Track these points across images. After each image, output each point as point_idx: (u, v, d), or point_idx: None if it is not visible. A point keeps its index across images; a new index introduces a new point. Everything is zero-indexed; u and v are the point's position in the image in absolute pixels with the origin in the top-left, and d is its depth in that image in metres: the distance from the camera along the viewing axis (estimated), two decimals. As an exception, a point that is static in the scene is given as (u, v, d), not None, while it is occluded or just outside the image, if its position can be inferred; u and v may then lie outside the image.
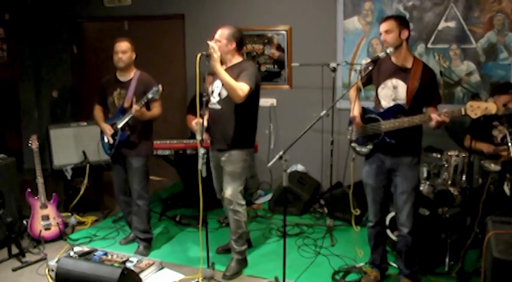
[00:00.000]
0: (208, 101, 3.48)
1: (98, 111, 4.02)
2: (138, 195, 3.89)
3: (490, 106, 2.78)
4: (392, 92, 3.09)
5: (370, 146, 3.18)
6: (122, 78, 3.87)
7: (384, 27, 3.05)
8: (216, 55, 3.26)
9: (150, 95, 3.67)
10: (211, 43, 3.30)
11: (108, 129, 3.87)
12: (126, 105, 3.80)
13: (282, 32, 5.27)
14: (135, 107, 3.65)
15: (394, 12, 4.66)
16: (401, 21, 3.04)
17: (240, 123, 3.44)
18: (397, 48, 3.03)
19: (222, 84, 3.36)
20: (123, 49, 3.78)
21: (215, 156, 3.60)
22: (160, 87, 3.67)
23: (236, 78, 3.31)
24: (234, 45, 3.42)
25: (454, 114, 2.89)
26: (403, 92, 3.05)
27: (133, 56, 3.85)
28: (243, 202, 3.57)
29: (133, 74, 3.87)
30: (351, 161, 3.33)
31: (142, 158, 3.87)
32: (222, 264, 3.62)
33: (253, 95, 3.40)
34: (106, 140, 3.91)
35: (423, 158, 3.95)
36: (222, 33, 3.40)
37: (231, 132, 3.43)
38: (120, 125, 3.80)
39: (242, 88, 3.27)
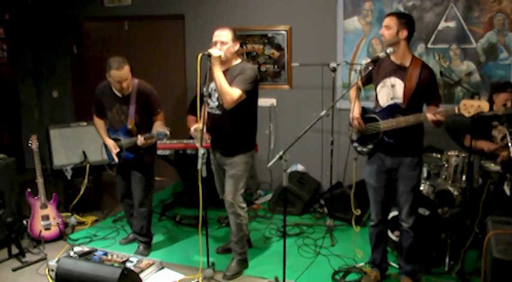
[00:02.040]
0: (207, 103, 3.45)
1: (98, 123, 3.93)
2: (140, 203, 3.86)
3: (482, 104, 2.79)
4: (391, 90, 3.09)
5: (370, 146, 3.19)
6: (119, 93, 3.70)
7: (384, 22, 3.05)
8: (217, 55, 3.22)
9: (156, 135, 3.54)
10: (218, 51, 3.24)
11: (114, 147, 3.75)
12: (130, 126, 3.69)
13: (282, 32, 5.27)
14: (141, 140, 3.56)
15: (394, 12, 4.67)
16: (403, 21, 3.02)
17: (241, 128, 3.43)
18: (393, 46, 3.04)
19: None
20: (124, 77, 3.55)
21: (217, 159, 3.59)
22: (168, 132, 3.50)
23: (234, 79, 3.29)
24: (238, 46, 3.39)
25: (448, 113, 2.89)
26: (401, 91, 3.05)
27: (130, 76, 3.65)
28: (244, 205, 3.57)
29: (130, 86, 3.69)
30: (353, 161, 3.34)
31: (147, 168, 3.84)
32: (222, 264, 3.62)
33: (252, 99, 3.38)
34: (112, 157, 3.82)
35: (423, 157, 3.94)
36: (228, 35, 3.31)
37: (233, 138, 3.42)
38: (125, 146, 3.73)
39: (232, 94, 3.22)
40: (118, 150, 3.76)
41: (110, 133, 3.86)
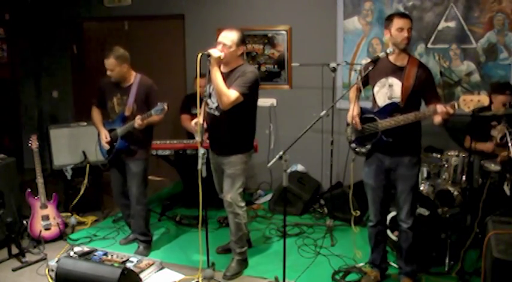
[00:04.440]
0: (207, 103, 3.45)
1: (96, 114, 3.97)
2: (136, 201, 3.87)
3: (482, 98, 2.76)
4: (388, 90, 3.09)
5: (368, 146, 3.18)
6: (122, 84, 3.80)
7: (407, 24, 3.00)
8: (217, 56, 3.22)
9: (153, 112, 3.55)
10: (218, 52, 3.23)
11: (105, 136, 3.82)
12: (127, 113, 3.74)
13: (282, 32, 5.27)
14: (139, 121, 3.59)
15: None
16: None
17: (240, 129, 3.43)
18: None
19: None
20: (109, 68, 3.68)
21: (215, 158, 3.59)
22: (165, 106, 3.53)
23: (235, 81, 3.29)
24: (242, 49, 3.37)
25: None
26: (398, 90, 3.05)
27: (124, 69, 3.71)
28: (243, 204, 3.57)
29: (133, 78, 3.79)
30: (351, 162, 3.34)
31: (142, 162, 3.84)
32: (222, 264, 3.62)
33: (251, 101, 3.38)
34: (102, 145, 3.88)
35: (423, 158, 3.95)
36: (232, 39, 3.28)
37: (231, 138, 3.42)
38: (120, 133, 3.76)
39: (229, 95, 3.22)
40: (109, 139, 3.81)
41: (106, 125, 3.91)
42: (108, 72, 3.71)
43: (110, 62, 3.67)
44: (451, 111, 2.84)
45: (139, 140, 3.79)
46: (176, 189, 5.45)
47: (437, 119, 2.93)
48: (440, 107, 2.86)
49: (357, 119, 3.16)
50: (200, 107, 3.21)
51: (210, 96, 3.43)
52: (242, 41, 3.35)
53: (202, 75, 4.70)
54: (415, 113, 2.97)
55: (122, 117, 3.78)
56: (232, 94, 3.23)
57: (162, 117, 3.75)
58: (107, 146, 3.85)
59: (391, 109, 3.06)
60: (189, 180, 4.92)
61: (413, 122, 2.99)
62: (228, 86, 3.26)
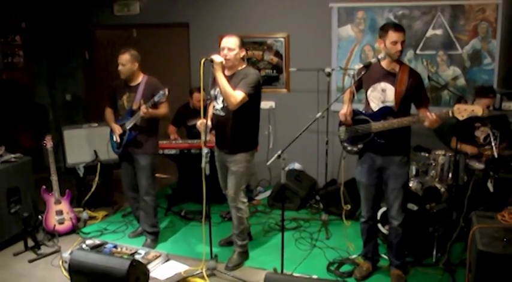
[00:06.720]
0: (213, 105, 3.48)
1: (108, 113, 4.03)
2: (145, 192, 3.89)
3: (476, 109, 2.77)
4: (381, 94, 3.10)
5: (360, 146, 3.19)
6: (131, 83, 3.88)
7: (401, 37, 2.98)
8: (219, 61, 3.24)
9: (156, 98, 3.69)
10: (219, 58, 3.27)
11: (118, 129, 3.88)
12: (134, 107, 3.81)
13: (281, 39, 5.27)
14: (143, 108, 3.68)
15: (385, 21, 4.66)
16: None
17: (244, 128, 3.44)
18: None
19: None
20: (122, 62, 3.78)
21: (220, 156, 3.60)
22: (166, 90, 3.69)
23: (239, 83, 3.31)
24: (243, 51, 3.42)
25: (442, 116, 2.89)
26: (391, 95, 3.05)
27: (135, 67, 3.81)
28: (245, 200, 3.58)
29: (140, 78, 3.87)
30: (342, 159, 3.34)
31: (149, 156, 3.87)
32: (224, 256, 3.62)
33: (255, 101, 3.40)
34: (114, 139, 3.94)
35: (412, 156, 3.95)
36: (235, 42, 3.34)
37: (236, 137, 3.43)
38: (128, 126, 3.82)
39: (235, 96, 3.25)
40: (121, 131, 3.87)
41: (117, 122, 3.96)
42: (120, 67, 3.78)
43: (124, 57, 3.77)
44: (438, 119, 2.87)
45: (145, 131, 3.84)
46: (180, 187, 5.43)
47: (426, 124, 2.94)
48: (433, 115, 2.88)
49: (349, 118, 3.16)
50: (205, 109, 3.23)
51: (215, 98, 3.45)
52: (242, 44, 3.41)
53: (198, 90, 4.78)
54: (409, 118, 2.98)
55: (130, 112, 3.83)
56: (238, 95, 3.26)
57: (167, 112, 3.85)
58: (118, 139, 3.89)
59: (385, 112, 3.07)
60: (188, 178, 4.92)
61: (407, 125, 3.00)
62: (233, 87, 3.29)
